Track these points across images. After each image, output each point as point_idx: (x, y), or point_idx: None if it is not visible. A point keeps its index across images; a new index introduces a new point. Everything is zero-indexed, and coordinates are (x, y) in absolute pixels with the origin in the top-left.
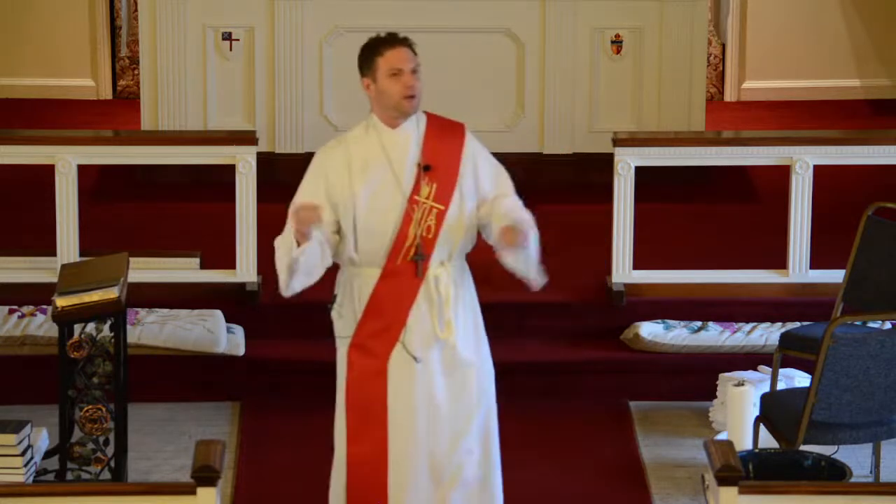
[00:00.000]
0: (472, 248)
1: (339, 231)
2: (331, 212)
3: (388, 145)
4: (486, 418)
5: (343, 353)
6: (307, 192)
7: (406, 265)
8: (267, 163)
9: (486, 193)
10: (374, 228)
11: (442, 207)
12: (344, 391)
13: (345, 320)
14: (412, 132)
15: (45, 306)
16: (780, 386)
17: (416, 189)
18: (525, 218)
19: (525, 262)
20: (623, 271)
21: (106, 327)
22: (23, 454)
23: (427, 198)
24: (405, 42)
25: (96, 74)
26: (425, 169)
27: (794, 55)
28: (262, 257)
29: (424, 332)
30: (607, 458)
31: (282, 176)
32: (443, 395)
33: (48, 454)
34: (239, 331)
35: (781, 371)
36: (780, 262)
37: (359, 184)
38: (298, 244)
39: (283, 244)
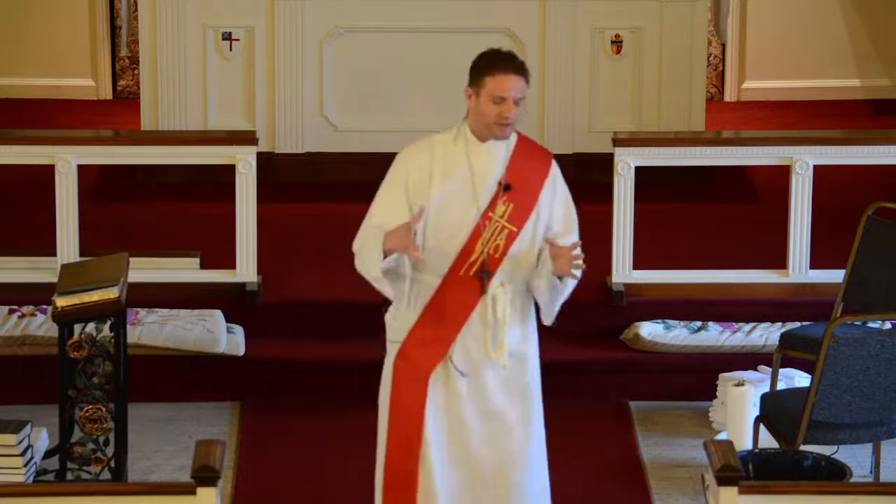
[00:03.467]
0: None
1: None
2: (409, 213)
3: (473, 158)
4: (538, 429)
5: (391, 359)
6: (389, 190)
7: (469, 280)
8: (267, 163)
9: (553, 226)
10: (442, 236)
11: (514, 229)
12: (388, 400)
13: (398, 324)
14: (500, 149)
15: (45, 306)
16: (780, 386)
17: (492, 206)
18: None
19: (554, 294)
20: (623, 271)
21: (106, 327)
22: (23, 454)
23: (501, 217)
24: (520, 70)
25: (96, 74)
26: (506, 188)
27: (794, 55)
28: (262, 257)
29: (473, 350)
30: (607, 458)
31: (282, 176)
32: (492, 414)
33: (48, 454)
34: (239, 331)
35: (781, 371)
36: (780, 262)
37: (437, 188)
38: (385, 255)
39: (367, 251)
